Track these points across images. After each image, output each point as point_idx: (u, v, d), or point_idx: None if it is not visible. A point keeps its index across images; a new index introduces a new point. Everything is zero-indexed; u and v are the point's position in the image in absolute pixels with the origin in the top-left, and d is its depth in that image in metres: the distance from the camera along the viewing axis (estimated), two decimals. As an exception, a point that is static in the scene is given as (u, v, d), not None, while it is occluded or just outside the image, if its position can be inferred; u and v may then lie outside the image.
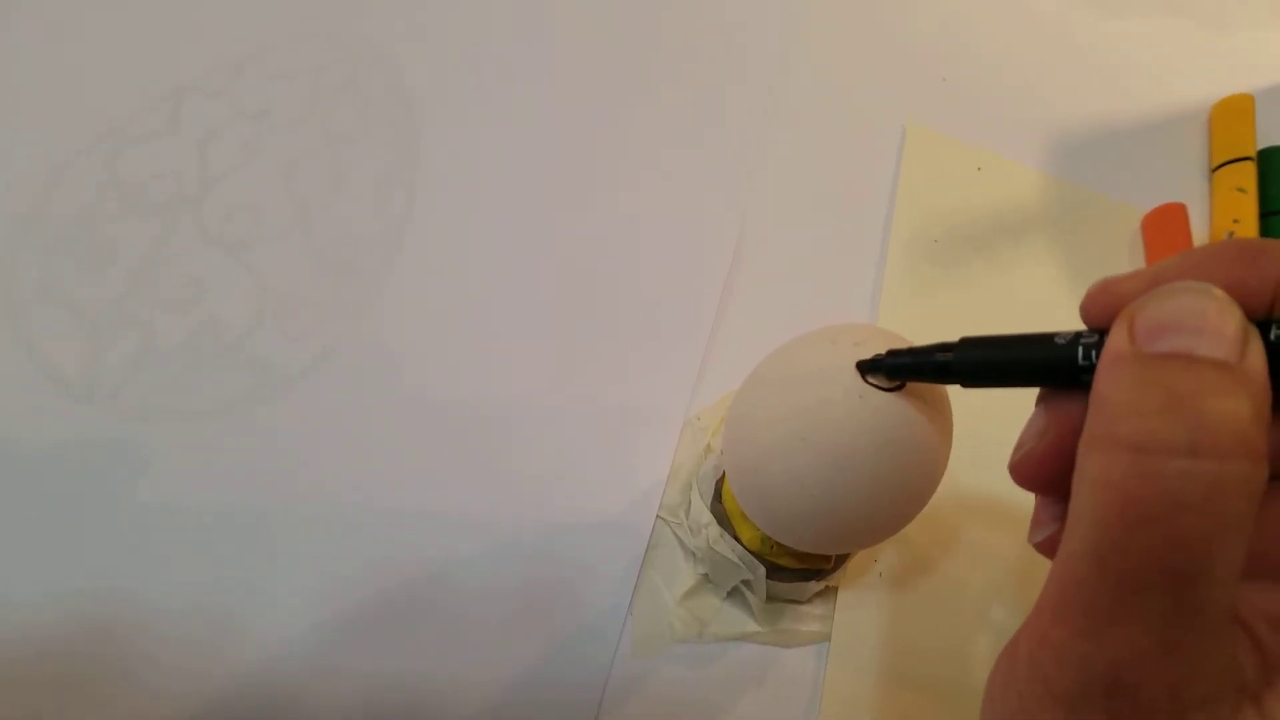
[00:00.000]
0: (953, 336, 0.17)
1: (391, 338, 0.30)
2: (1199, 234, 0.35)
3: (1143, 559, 0.11)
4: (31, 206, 0.32)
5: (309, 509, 0.27)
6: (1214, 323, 0.11)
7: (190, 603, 0.26)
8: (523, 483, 0.28)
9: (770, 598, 0.26)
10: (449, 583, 0.26)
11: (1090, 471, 0.12)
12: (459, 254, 0.32)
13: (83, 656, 0.25)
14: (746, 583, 0.25)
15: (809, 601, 0.26)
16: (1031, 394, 0.17)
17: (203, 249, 0.31)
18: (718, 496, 0.26)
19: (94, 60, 0.35)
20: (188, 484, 0.27)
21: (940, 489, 0.20)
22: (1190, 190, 0.37)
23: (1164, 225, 0.34)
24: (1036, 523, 0.16)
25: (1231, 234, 0.34)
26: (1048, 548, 0.16)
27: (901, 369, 0.18)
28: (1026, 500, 0.30)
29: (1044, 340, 0.15)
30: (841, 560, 0.25)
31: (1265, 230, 0.34)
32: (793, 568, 0.24)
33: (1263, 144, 0.37)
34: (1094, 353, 0.13)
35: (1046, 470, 0.15)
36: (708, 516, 0.25)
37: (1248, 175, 0.36)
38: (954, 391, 0.20)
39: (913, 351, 0.18)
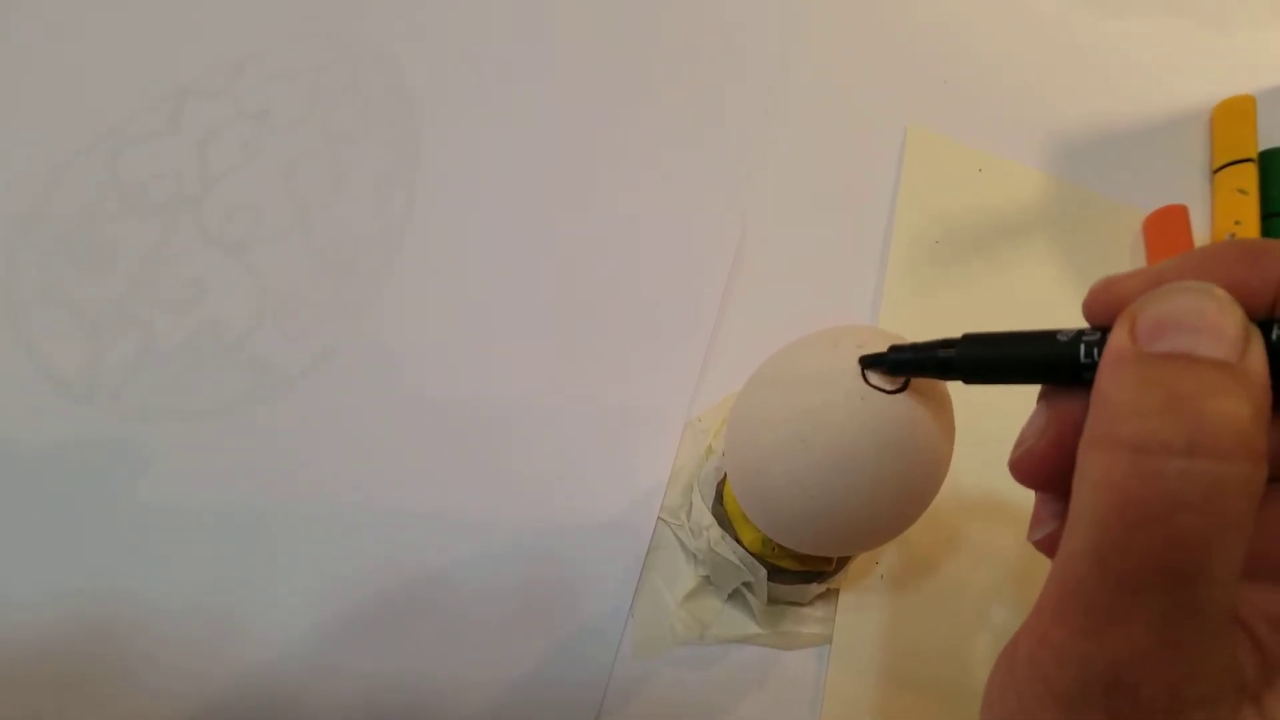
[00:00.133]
0: (954, 336, 0.17)
1: (391, 338, 0.30)
2: (1200, 235, 0.35)
3: (1142, 559, 0.11)
4: (32, 206, 0.31)
5: (309, 509, 0.27)
6: (1214, 322, 0.11)
7: (190, 603, 0.26)
8: (523, 483, 0.28)
9: (771, 600, 0.26)
10: (449, 583, 0.26)
11: (1091, 471, 0.12)
12: (459, 254, 0.32)
13: (83, 656, 0.25)
14: (748, 585, 0.25)
15: (810, 604, 0.26)
16: (1032, 393, 0.17)
17: (203, 249, 0.31)
18: (719, 498, 0.25)
19: (94, 60, 0.35)
20: (188, 484, 0.27)
21: (942, 490, 0.20)
22: (1191, 192, 0.37)
23: (1165, 227, 0.34)
24: (1036, 520, 0.16)
25: (1233, 235, 0.34)
26: (1047, 545, 0.16)
27: (904, 365, 0.18)
28: (1027, 501, 0.30)
29: (1046, 337, 0.15)
30: (843, 562, 0.25)
31: (1267, 232, 0.34)
32: (794, 570, 0.24)
33: (1264, 145, 0.37)
34: (1096, 351, 0.14)
35: (1047, 468, 0.15)
36: (709, 518, 0.25)
37: (1249, 177, 0.36)
38: (954, 391, 0.20)
39: (915, 347, 0.18)
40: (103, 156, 0.33)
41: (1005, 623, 0.27)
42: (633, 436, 0.29)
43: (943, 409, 0.20)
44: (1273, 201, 0.35)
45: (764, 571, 0.24)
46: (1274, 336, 0.12)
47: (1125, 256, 0.35)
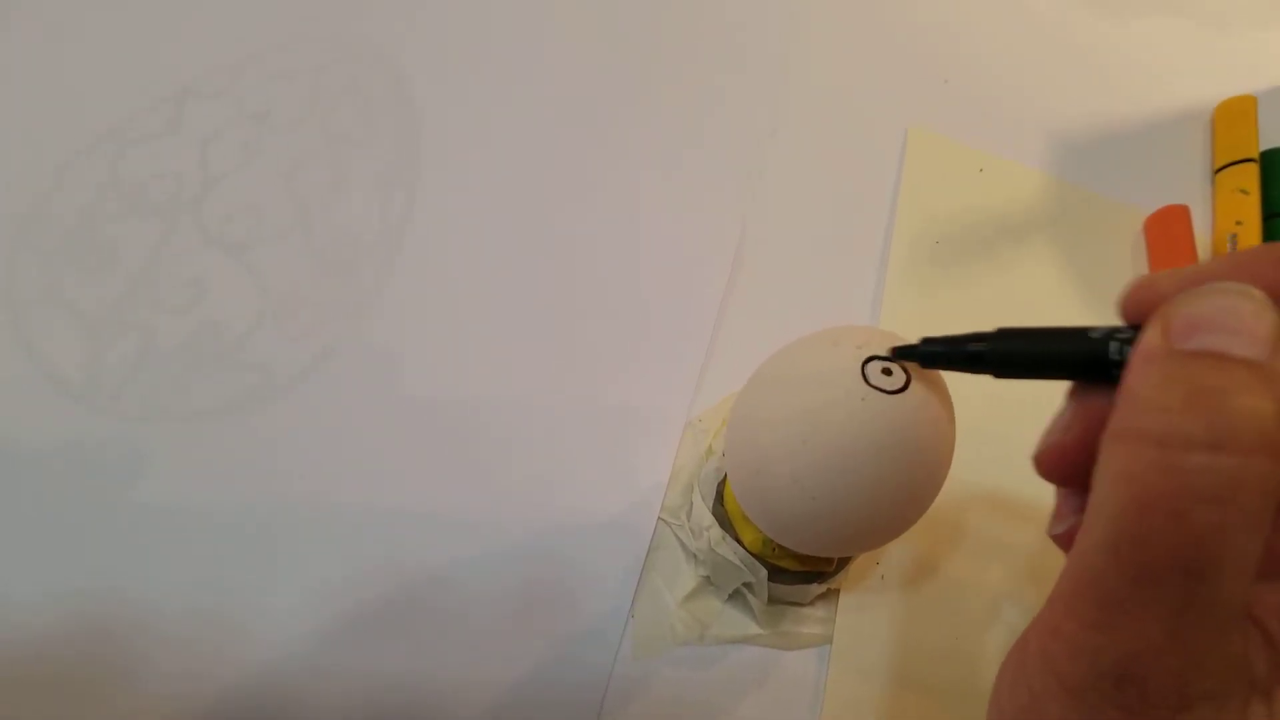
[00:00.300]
0: (987, 330, 0.17)
1: (392, 338, 0.30)
2: (1201, 236, 0.35)
3: (1159, 552, 0.11)
4: (32, 207, 0.31)
5: (309, 509, 0.27)
6: (1249, 323, 0.11)
7: (190, 603, 0.26)
8: (524, 484, 0.28)
9: (772, 600, 0.26)
10: (449, 584, 0.26)
11: (1112, 464, 0.12)
12: (459, 255, 0.32)
13: (83, 657, 0.25)
14: (748, 585, 0.25)
15: (811, 604, 0.26)
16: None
17: (203, 249, 0.31)
18: (719, 499, 0.25)
19: (95, 61, 0.35)
20: (188, 484, 0.27)
21: (943, 490, 0.20)
22: (1193, 192, 0.37)
23: (1166, 227, 0.34)
24: (1058, 515, 0.16)
25: (1234, 236, 0.34)
26: (1066, 540, 0.16)
27: (936, 357, 0.18)
28: (1029, 502, 0.30)
29: (1078, 334, 0.15)
30: (843, 563, 0.25)
31: (1269, 232, 0.34)
32: (794, 570, 0.24)
33: (1265, 145, 0.37)
34: (1126, 349, 0.14)
35: (1070, 463, 0.15)
36: (709, 519, 0.25)
37: (1250, 177, 0.36)
38: (955, 391, 0.20)
39: (948, 340, 0.18)
40: (103, 157, 0.33)
41: (1006, 623, 0.27)
42: (633, 437, 0.29)
43: (944, 409, 0.20)
44: (1274, 201, 0.35)
45: (764, 572, 0.24)
46: None
47: (1126, 256, 0.35)
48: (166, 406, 0.28)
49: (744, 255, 0.33)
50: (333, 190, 0.33)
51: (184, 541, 0.26)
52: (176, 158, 0.33)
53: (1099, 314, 0.33)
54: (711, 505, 0.26)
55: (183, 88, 0.34)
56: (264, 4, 0.37)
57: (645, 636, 0.26)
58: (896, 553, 0.28)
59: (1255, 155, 0.36)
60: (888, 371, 0.19)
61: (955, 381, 0.21)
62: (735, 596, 0.26)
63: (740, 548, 0.24)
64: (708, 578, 0.26)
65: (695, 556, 0.26)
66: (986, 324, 0.33)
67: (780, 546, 0.24)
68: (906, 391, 0.19)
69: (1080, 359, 0.15)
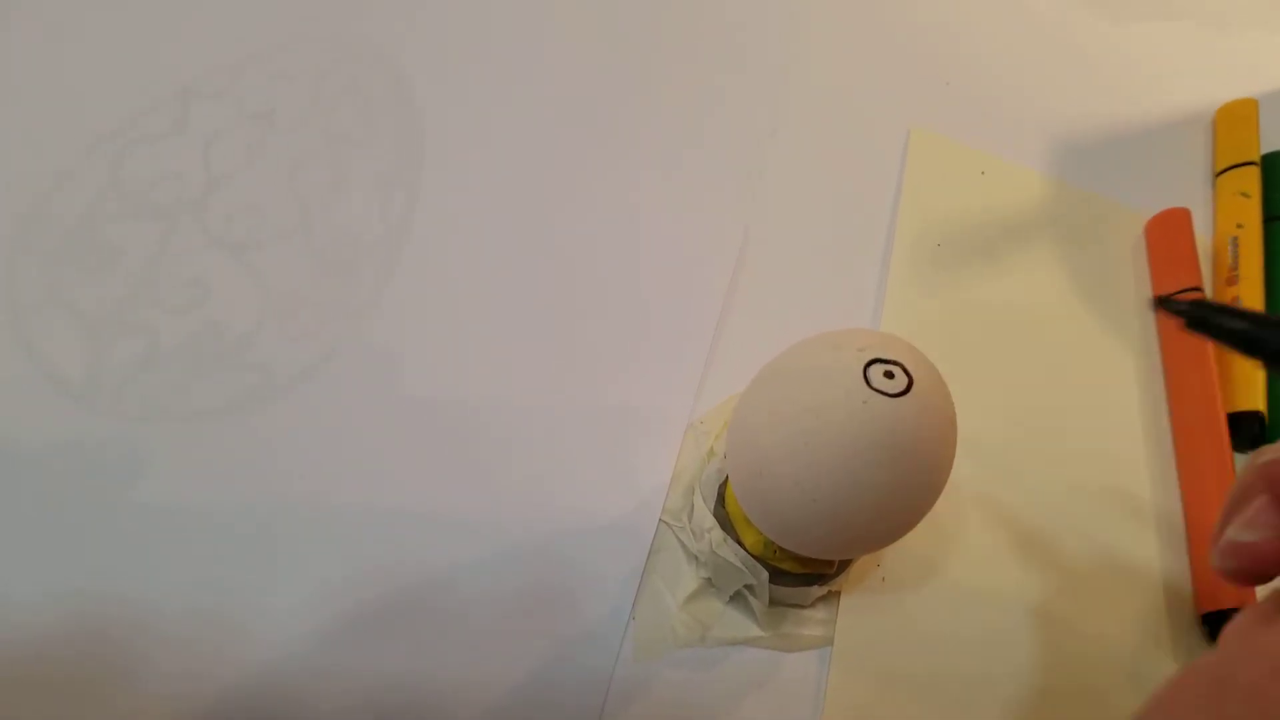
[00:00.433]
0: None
1: (393, 339, 0.30)
2: (1202, 239, 0.35)
3: None
4: (34, 207, 0.31)
5: (309, 510, 0.27)
6: None
7: (191, 603, 0.25)
8: (525, 486, 0.28)
9: (773, 602, 0.26)
10: (450, 586, 0.26)
11: None
12: (461, 256, 0.32)
13: (83, 657, 0.25)
14: (749, 587, 0.25)
15: (811, 606, 0.26)
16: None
17: (205, 250, 0.31)
18: (721, 501, 0.25)
19: (97, 62, 0.35)
20: (189, 485, 0.27)
21: (943, 493, 0.20)
22: (1194, 195, 0.37)
23: (1167, 230, 0.34)
24: (1252, 523, 0.15)
25: (1235, 239, 0.34)
26: (1247, 552, 0.14)
27: (1202, 324, 0.16)
28: (1030, 505, 0.30)
29: None
30: (844, 565, 0.25)
31: (1269, 235, 0.34)
32: (796, 572, 0.24)
33: (1266, 149, 0.37)
34: None
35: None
36: (710, 521, 0.25)
37: (1251, 180, 0.36)
38: (955, 395, 0.20)
39: (1231, 313, 0.16)
40: (105, 157, 0.33)
41: (1008, 625, 0.27)
42: (634, 439, 0.29)
43: (945, 413, 0.20)
44: (1275, 205, 0.35)
45: (765, 574, 0.24)
46: None
47: (1127, 259, 0.35)
48: (167, 407, 0.28)
49: (746, 256, 0.33)
50: (334, 191, 0.33)
51: (184, 542, 0.26)
52: (178, 158, 0.33)
53: (1101, 316, 0.33)
54: (713, 507, 0.26)
55: (184, 88, 0.34)
56: (265, 4, 0.37)
57: (646, 638, 0.26)
58: (897, 555, 0.28)
59: (1256, 158, 0.36)
60: (889, 375, 0.19)
61: (955, 384, 0.21)
62: (736, 598, 0.26)
63: (741, 550, 0.24)
64: (709, 580, 0.26)
65: (696, 558, 0.27)
66: (987, 327, 0.33)
67: (781, 549, 0.24)
68: (908, 395, 0.19)
69: None
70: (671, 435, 0.29)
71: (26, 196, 0.32)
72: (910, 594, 0.27)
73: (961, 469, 0.21)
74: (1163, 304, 0.17)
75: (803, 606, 0.26)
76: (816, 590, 0.25)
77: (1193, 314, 0.17)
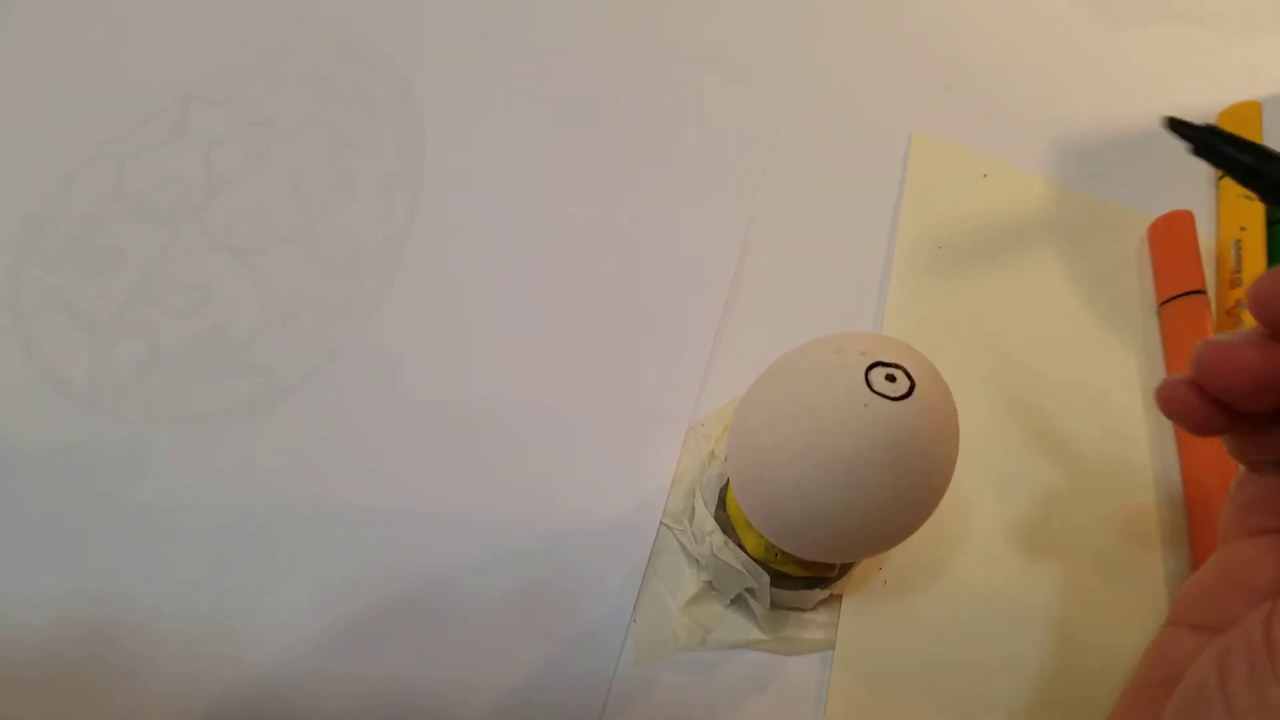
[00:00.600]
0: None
1: (395, 343, 0.30)
2: (1205, 242, 0.35)
3: None
4: (37, 212, 0.32)
5: (311, 513, 0.27)
6: None
7: (192, 605, 0.26)
8: (525, 487, 0.28)
9: (774, 605, 0.25)
10: (450, 589, 0.26)
11: None
12: (463, 259, 0.32)
13: (84, 658, 0.25)
14: (750, 590, 0.25)
15: (813, 609, 0.26)
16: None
17: (207, 254, 0.31)
18: (722, 504, 0.25)
19: (99, 67, 0.35)
20: (191, 488, 0.27)
21: (946, 496, 0.20)
22: (1197, 197, 0.37)
23: (1170, 232, 0.34)
24: (1230, 335, 0.15)
25: (1239, 242, 0.34)
26: (1216, 353, 0.15)
27: (1212, 150, 0.17)
28: (1033, 508, 0.30)
29: None
30: (846, 568, 0.25)
31: (1272, 239, 0.34)
32: (797, 575, 0.24)
33: (1270, 151, 0.37)
34: None
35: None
36: (711, 524, 0.25)
37: (1254, 183, 0.36)
38: (957, 399, 0.20)
39: (1239, 144, 0.16)
40: (108, 162, 0.33)
41: (1010, 629, 0.27)
42: (636, 441, 0.29)
43: (947, 415, 0.20)
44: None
45: (766, 577, 0.24)
46: None
47: (1130, 262, 0.35)
48: (170, 410, 0.28)
49: (747, 259, 0.33)
50: (337, 195, 0.33)
51: (185, 543, 0.26)
52: (180, 163, 0.33)
53: (1103, 319, 0.33)
54: (714, 510, 0.25)
55: (187, 93, 0.35)
56: (269, 10, 0.37)
57: (647, 641, 0.26)
58: (899, 558, 0.28)
59: (1260, 161, 0.36)
60: (891, 378, 0.19)
61: (958, 388, 0.21)
62: (737, 602, 0.26)
63: (742, 553, 0.24)
64: (710, 583, 0.26)
65: (697, 561, 0.26)
66: (988, 328, 0.33)
67: (783, 552, 0.24)
68: (910, 398, 0.19)
69: None
70: (673, 437, 0.29)
71: (30, 200, 0.32)
72: (913, 597, 0.27)
73: (964, 472, 0.21)
74: (1174, 125, 0.17)
75: (804, 610, 0.26)
76: (818, 594, 0.25)
77: (1201, 139, 0.17)
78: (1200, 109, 0.39)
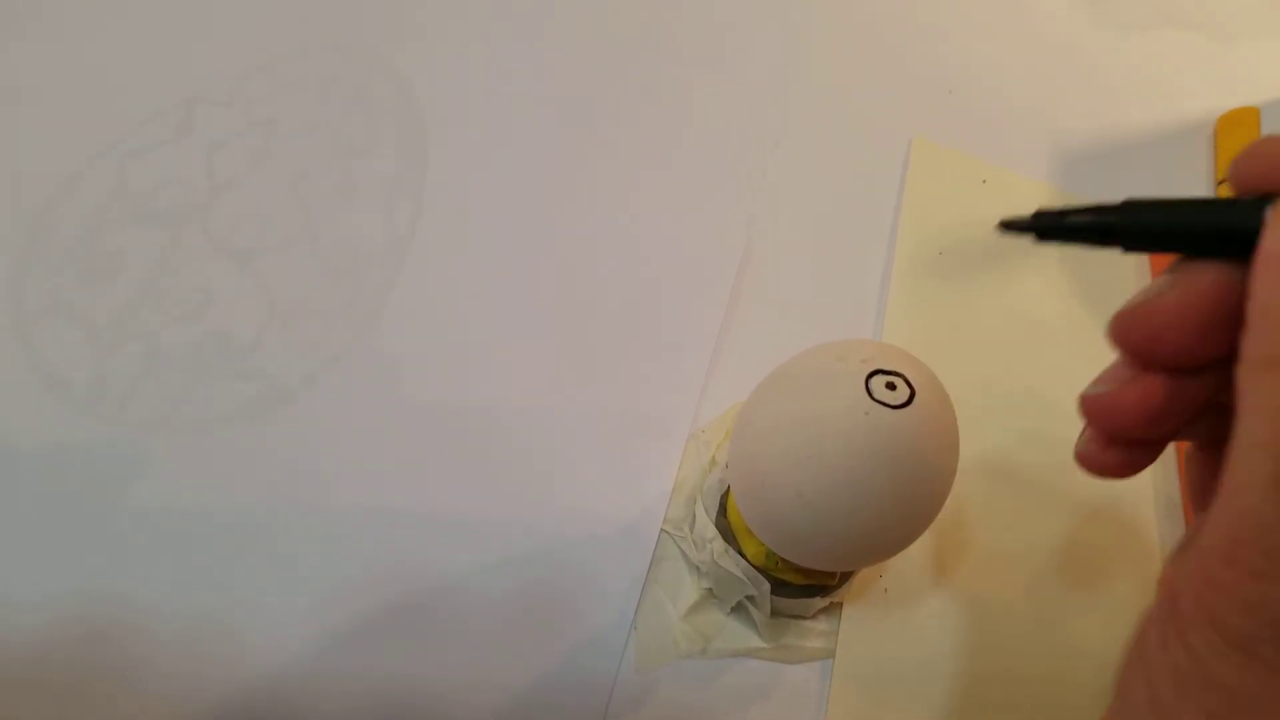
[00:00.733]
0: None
1: (398, 347, 0.30)
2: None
3: None
4: (39, 215, 0.32)
5: (314, 516, 0.27)
6: None
7: (193, 607, 0.25)
8: (528, 494, 0.28)
9: (775, 613, 0.25)
10: (452, 595, 0.26)
11: (1261, 396, 0.11)
12: (465, 263, 0.32)
13: (84, 659, 0.25)
14: (751, 598, 0.25)
15: (813, 617, 0.26)
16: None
17: (210, 258, 0.31)
18: (722, 511, 0.25)
19: (102, 70, 0.35)
20: (193, 492, 0.27)
21: (946, 504, 0.20)
22: (1196, 204, 0.37)
23: (1170, 239, 0.34)
24: (1102, 379, 0.15)
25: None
26: (1097, 405, 0.15)
27: (1053, 230, 0.16)
28: (1034, 516, 0.30)
29: (1223, 206, 0.13)
30: (847, 576, 0.25)
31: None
32: (797, 583, 0.24)
33: (1269, 158, 0.37)
34: None
35: (1157, 325, 0.14)
36: (712, 531, 0.25)
37: (1254, 189, 0.36)
38: (958, 407, 0.20)
39: (1070, 211, 0.15)
40: (110, 165, 0.33)
41: (1011, 636, 0.27)
42: (637, 446, 0.29)
43: (947, 424, 0.20)
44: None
45: (767, 585, 0.24)
46: None
47: (1129, 268, 0.35)
48: (172, 414, 0.28)
49: (748, 265, 0.33)
50: (339, 199, 0.33)
51: (186, 545, 0.26)
52: (183, 166, 0.33)
53: (1104, 326, 0.33)
54: (714, 517, 0.25)
55: (189, 96, 0.35)
56: (272, 14, 0.37)
57: (647, 649, 0.26)
58: (900, 566, 0.28)
59: (1259, 167, 0.36)
60: (892, 386, 0.19)
61: (957, 395, 0.21)
62: (738, 609, 0.26)
63: (743, 560, 0.24)
64: (710, 590, 0.26)
65: (698, 569, 0.26)
66: (988, 335, 0.33)
67: (783, 560, 0.23)
68: (910, 406, 0.19)
69: (1223, 231, 0.13)
70: (674, 443, 0.29)
71: (33, 204, 0.32)
72: (913, 606, 0.27)
73: (964, 480, 0.21)
74: (1008, 227, 0.16)
75: (805, 618, 0.26)
76: (819, 602, 0.25)
77: (1037, 225, 0.16)
78: (1199, 114, 0.39)
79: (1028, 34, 0.41)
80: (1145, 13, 0.43)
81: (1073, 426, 0.33)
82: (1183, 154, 0.38)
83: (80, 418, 0.28)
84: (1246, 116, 0.38)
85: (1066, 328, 0.33)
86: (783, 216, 0.34)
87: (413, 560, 0.27)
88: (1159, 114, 0.40)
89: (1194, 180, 0.38)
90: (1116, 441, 0.15)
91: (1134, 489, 0.30)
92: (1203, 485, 0.17)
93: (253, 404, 0.29)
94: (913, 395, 0.19)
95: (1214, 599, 0.11)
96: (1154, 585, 0.28)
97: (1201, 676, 0.12)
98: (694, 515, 0.27)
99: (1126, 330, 0.14)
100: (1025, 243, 0.16)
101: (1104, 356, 0.16)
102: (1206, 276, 0.13)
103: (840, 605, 0.27)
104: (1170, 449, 0.31)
